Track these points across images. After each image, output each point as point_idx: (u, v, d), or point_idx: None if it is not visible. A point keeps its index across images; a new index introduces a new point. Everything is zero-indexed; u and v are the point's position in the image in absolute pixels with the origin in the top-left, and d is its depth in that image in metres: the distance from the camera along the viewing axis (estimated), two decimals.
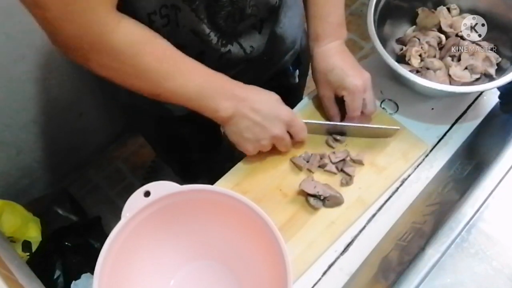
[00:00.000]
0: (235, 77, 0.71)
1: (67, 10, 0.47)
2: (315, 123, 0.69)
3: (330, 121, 0.71)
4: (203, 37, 0.61)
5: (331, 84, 0.67)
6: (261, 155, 0.68)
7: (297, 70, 0.88)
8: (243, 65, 0.70)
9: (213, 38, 0.62)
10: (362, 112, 0.67)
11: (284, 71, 0.84)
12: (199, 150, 1.02)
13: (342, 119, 0.71)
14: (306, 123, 0.66)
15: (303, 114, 0.74)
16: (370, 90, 0.67)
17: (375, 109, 0.69)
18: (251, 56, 0.68)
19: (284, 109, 0.63)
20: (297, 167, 0.68)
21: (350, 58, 0.68)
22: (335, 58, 0.67)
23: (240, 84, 0.62)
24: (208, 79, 0.59)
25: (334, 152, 0.68)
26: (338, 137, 0.70)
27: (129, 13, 0.54)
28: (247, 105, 0.60)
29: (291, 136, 0.66)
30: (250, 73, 0.74)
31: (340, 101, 0.69)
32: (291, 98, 0.82)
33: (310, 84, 1.00)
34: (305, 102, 0.75)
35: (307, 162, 0.68)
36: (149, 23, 0.56)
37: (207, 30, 0.60)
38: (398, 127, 0.69)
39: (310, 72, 0.96)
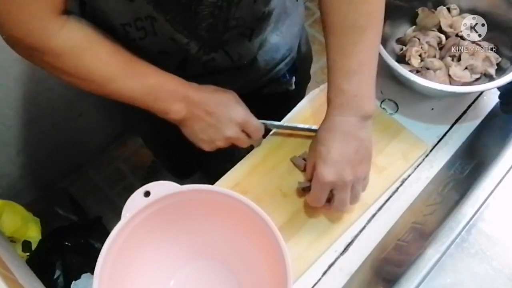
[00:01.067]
0: (221, 82, 0.69)
1: (9, 13, 0.48)
2: (272, 124, 0.69)
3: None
4: (181, 46, 0.60)
5: (314, 156, 0.59)
6: (261, 155, 0.68)
7: (294, 77, 0.85)
8: (231, 71, 0.69)
9: (193, 47, 0.61)
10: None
11: (277, 79, 0.80)
12: (196, 154, 1.02)
13: None
14: (263, 123, 0.66)
15: (308, 110, 0.74)
16: (357, 184, 0.57)
17: (353, 205, 0.61)
18: (239, 64, 0.67)
19: (238, 109, 0.63)
20: (297, 167, 0.68)
21: (354, 145, 0.56)
22: (332, 136, 0.56)
23: (194, 85, 0.61)
24: (158, 81, 0.59)
25: None
26: None
27: (105, 22, 0.55)
28: (200, 108, 0.60)
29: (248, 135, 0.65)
30: (239, 79, 0.72)
31: None
32: (285, 104, 0.80)
33: (310, 84, 1.00)
34: (309, 98, 0.75)
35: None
36: (124, 33, 0.56)
37: (185, 40, 0.59)
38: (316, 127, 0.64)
39: (311, 71, 0.97)
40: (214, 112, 0.61)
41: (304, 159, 0.68)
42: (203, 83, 0.66)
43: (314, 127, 0.68)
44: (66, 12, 0.52)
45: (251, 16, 0.61)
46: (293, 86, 0.86)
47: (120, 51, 0.56)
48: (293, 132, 0.70)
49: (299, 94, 0.92)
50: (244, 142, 0.65)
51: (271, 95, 0.82)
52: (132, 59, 0.57)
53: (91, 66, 0.55)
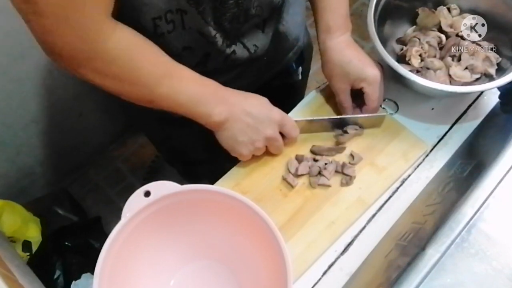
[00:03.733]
0: (238, 76, 0.72)
1: (65, 17, 0.47)
2: (306, 120, 0.69)
3: (343, 114, 0.71)
4: (209, 39, 0.61)
5: (349, 76, 0.67)
6: (260, 156, 0.68)
7: (300, 67, 0.88)
8: (247, 64, 0.70)
9: (219, 39, 0.62)
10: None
11: (287, 69, 0.84)
12: (200, 150, 1.02)
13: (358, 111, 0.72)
14: (297, 121, 0.67)
15: (308, 110, 0.74)
16: (382, 82, 0.69)
17: (378, 105, 0.70)
18: (255, 56, 0.69)
19: (274, 109, 0.64)
20: (289, 184, 0.68)
21: (361, 50, 0.69)
22: (349, 51, 0.67)
23: (230, 89, 0.63)
24: (201, 85, 0.60)
25: (326, 164, 0.68)
26: (348, 130, 0.70)
27: (133, 17, 0.54)
28: (239, 109, 0.61)
29: (283, 136, 0.66)
30: (254, 72, 0.75)
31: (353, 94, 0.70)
32: (293, 95, 0.83)
33: (310, 84, 1.00)
34: (309, 99, 0.75)
35: (297, 176, 0.68)
36: (154, 28, 0.56)
37: (213, 32, 0.60)
38: (385, 114, 0.70)
39: (311, 71, 0.97)
40: (253, 112, 0.62)
41: (293, 175, 0.68)
42: (221, 78, 0.67)
43: (340, 116, 0.70)
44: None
45: (267, 4, 0.63)
46: (300, 77, 0.88)
47: (163, 54, 0.57)
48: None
49: (303, 85, 0.95)
50: (279, 146, 0.66)
51: (279, 87, 0.84)
52: (174, 62, 0.58)
53: (142, 69, 0.54)
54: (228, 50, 0.65)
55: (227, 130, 0.62)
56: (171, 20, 0.56)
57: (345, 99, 0.70)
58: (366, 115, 0.70)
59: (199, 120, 0.61)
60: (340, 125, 0.71)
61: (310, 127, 0.70)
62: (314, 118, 0.70)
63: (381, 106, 0.74)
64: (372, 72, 0.66)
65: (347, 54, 0.67)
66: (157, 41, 0.58)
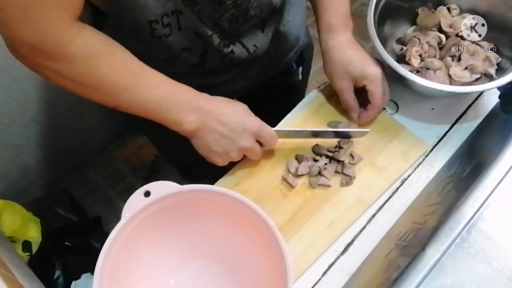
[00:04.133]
0: (237, 76, 0.71)
1: (25, 16, 0.46)
2: (287, 130, 0.68)
3: (349, 113, 0.71)
4: (205, 39, 0.61)
5: (351, 75, 0.67)
6: (261, 156, 0.68)
7: (301, 67, 0.88)
8: (246, 64, 0.70)
9: (216, 39, 0.62)
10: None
11: (287, 69, 0.84)
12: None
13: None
14: (276, 131, 0.65)
15: (308, 110, 0.74)
16: (385, 80, 0.68)
17: (384, 103, 0.70)
18: (254, 55, 0.68)
19: (251, 119, 0.62)
20: (289, 184, 0.68)
21: (362, 49, 0.69)
22: (351, 49, 0.67)
23: (206, 96, 0.61)
24: (171, 92, 0.58)
25: (326, 164, 0.68)
26: (346, 141, 0.69)
27: (130, 19, 0.54)
28: (213, 118, 0.59)
29: (261, 144, 0.65)
30: (253, 72, 0.75)
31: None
32: (293, 96, 0.83)
33: (310, 84, 1.00)
34: (310, 99, 0.75)
35: (297, 176, 0.67)
36: (151, 31, 0.56)
37: (209, 32, 0.60)
38: (368, 130, 0.68)
39: (311, 71, 0.97)
40: (228, 123, 0.60)
41: (293, 175, 0.67)
42: (220, 78, 0.66)
43: (328, 129, 0.69)
44: (80, 19, 0.52)
45: (266, 5, 0.62)
46: (300, 77, 0.88)
47: (133, 61, 0.56)
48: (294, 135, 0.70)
49: (304, 85, 0.95)
50: (257, 153, 0.65)
51: (279, 88, 0.84)
52: (145, 69, 0.57)
53: (105, 76, 0.53)
54: (226, 50, 0.64)
55: (200, 139, 0.61)
56: (167, 24, 0.56)
57: (349, 98, 0.69)
58: (347, 129, 0.69)
59: (171, 127, 0.60)
60: (321, 136, 0.69)
61: (291, 136, 0.69)
62: (294, 129, 0.69)
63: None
64: (374, 70, 0.66)
65: (349, 53, 0.67)
66: (154, 43, 0.58)
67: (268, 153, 0.69)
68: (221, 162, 0.64)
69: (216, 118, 0.60)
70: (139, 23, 0.55)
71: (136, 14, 0.54)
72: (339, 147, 0.69)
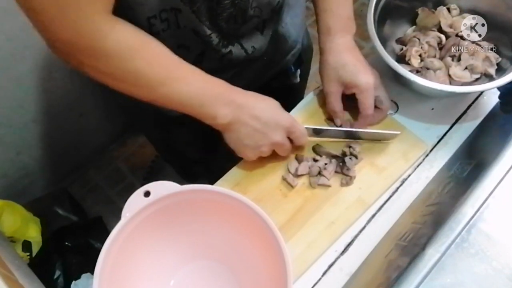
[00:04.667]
0: (235, 77, 0.71)
1: (61, 15, 0.46)
2: (318, 128, 0.68)
3: (332, 117, 0.71)
4: (203, 38, 0.60)
5: (341, 80, 0.66)
6: (261, 156, 0.68)
7: (299, 70, 0.88)
8: (244, 65, 0.70)
9: (214, 39, 0.61)
10: (378, 108, 0.68)
11: (285, 71, 0.84)
12: (197, 150, 1.02)
13: (353, 119, 0.71)
14: (307, 128, 0.66)
15: (305, 112, 0.74)
16: (381, 87, 0.67)
17: (389, 105, 0.69)
18: (252, 56, 0.68)
19: (284, 115, 0.63)
20: (289, 184, 0.68)
21: (360, 55, 0.68)
22: (346, 54, 0.66)
23: (239, 90, 0.61)
24: (205, 85, 0.58)
25: (326, 164, 0.68)
26: (353, 146, 0.69)
27: (128, 16, 0.54)
28: (246, 112, 0.60)
29: (291, 141, 0.65)
30: (251, 73, 0.74)
31: (349, 101, 0.69)
32: (292, 98, 0.82)
33: (309, 84, 1.00)
34: (307, 101, 0.75)
35: (297, 176, 0.68)
36: (149, 27, 0.56)
37: (208, 31, 0.60)
38: (399, 132, 0.68)
39: (311, 72, 0.97)
40: (261, 117, 0.60)
41: (293, 175, 0.68)
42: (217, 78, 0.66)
43: (358, 129, 0.69)
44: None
45: (266, 6, 0.62)
46: (298, 79, 0.87)
47: (168, 55, 0.56)
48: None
49: (302, 87, 0.95)
50: (287, 149, 0.65)
51: (278, 89, 0.84)
52: (180, 63, 0.57)
53: (141, 70, 0.54)
54: (224, 50, 0.64)
55: (234, 132, 0.62)
56: (165, 19, 0.56)
57: (334, 102, 0.69)
58: (377, 131, 0.68)
59: (205, 120, 0.60)
60: (350, 136, 0.70)
61: (321, 134, 0.70)
62: (325, 127, 0.69)
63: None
64: (364, 79, 0.64)
65: (343, 57, 0.66)
66: None
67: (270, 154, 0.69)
68: (252, 156, 0.64)
69: (249, 112, 0.60)
70: (138, 19, 0.55)
71: (135, 11, 0.54)
72: (343, 173, 0.67)
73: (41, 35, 0.50)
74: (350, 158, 0.67)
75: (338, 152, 0.68)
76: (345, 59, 0.66)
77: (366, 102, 0.66)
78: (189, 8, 0.55)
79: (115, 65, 0.53)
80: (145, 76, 0.54)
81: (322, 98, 0.75)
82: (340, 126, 0.71)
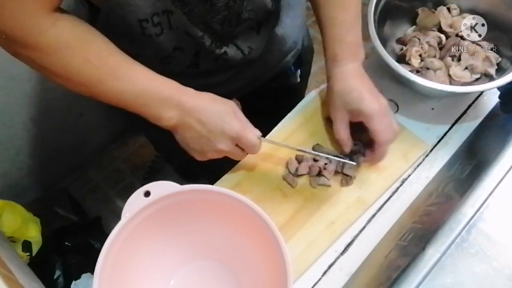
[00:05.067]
0: (233, 77, 0.71)
1: (1, 7, 0.47)
2: (271, 142, 0.65)
3: (341, 145, 0.67)
4: (196, 39, 0.60)
5: (348, 107, 0.64)
6: (260, 156, 0.69)
7: (299, 70, 0.87)
8: (242, 65, 0.70)
9: (207, 40, 0.61)
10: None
11: (285, 72, 0.83)
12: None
13: (364, 146, 0.68)
14: (262, 140, 0.62)
15: (305, 113, 0.74)
16: (389, 116, 0.63)
17: (394, 137, 0.64)
18: (250, 57, 0.68)
19: (232, 123, 0.59)
20: (289, 184, 0.67)
21: (369, 82, 0.65)
22: (353, 81, 0.64)
23: (191, 92, 0.59)
24: (151, 85, 0.57)
25: (326, 164, 0.68)
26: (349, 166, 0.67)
27: (120, 17, 0.54)
28: (192, 116, 0.58)
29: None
30: (250, 74, 0.74)
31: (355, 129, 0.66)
32: (292, 98, 0.82)
33: (309, 84, 1.00)
34: (306, 101, 0.75)
35: (297, 176, 0.67)
36: (141, 30, 0.56)
37: (200, 33, 0.59)
38: (354, 163, 0.65)
39: (311, 72, 0.97)
40: (207, 123, 0.58)
41: (293, 174, 0.67)
42: (215, 79, 0.65)
43: (314, 152, 0.65)
44: (60, 10, 0.52)
45: (261, 8, 0.61)
46: (298, 79, 0.87)
47: (113, 53, 0.55)
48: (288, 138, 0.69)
49: (302, 87, 0.94)
50: (238, 156, 0.63)
51: (277, 89, 0.83)
52: (127, 62, 0.56)
53: (78, 67, 0.53)
54: (218, 51, 0.64)
55: (180, 135, 0.61)
56: (158, 23, 0.56)
57: (340, 129, 0.66)
58: (334, 157, 0.64)
59: (150, 120, 0.59)
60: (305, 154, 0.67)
61: (277, 147, 0.67)
62: (281, 143, 0.66)
63: None
64: (370, 106, 0.61)
65: (349, 84, 0.64)
66: (146, 42, 0.57)
67: (268, 153, 0.69)
68: (199, 158, 0.63)
69: (196, 116, 0.58)
70: (129, 21, 0.54)
71: (126, 12, 0.53)
72: (343, 173, 0.66)
73: None
74: (357, 157, 0.67)
75: (338, 152, 0.68)
76: (351, 86, 0.63)
77: (376, 128, 0.62)
78: (180, 10, 0.55)
79: (50, 60, 0.52)
80: (81, 74, 0.54)
81: (322, 99, 0.75)
82: (349, 153, 0.67)
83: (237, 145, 0.61)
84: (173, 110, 0.58)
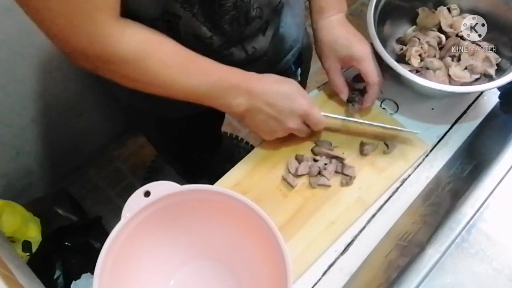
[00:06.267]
0: None
1: (70, 24, 0.47)
2: (334, 117, 0.68)
3: (340, 92, 0.71)
4: (204, 41, 0.61)
5: (338, 55, 0.67)
6: (260, 156, 0.69)
7: (299, 69, 0.88)
8: (244, 65, 0.70)
9: (216, 41, 0.62)
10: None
11: (285, 70, 0.84)
12: (199, 150, 1.02)
13: (361, 94, 0.71)
14: (326, 116, 0.66)
15: None
16: (374, 59, 0.67)
17: (381, 79, 0.68)
18: (252, 57, 0.68)
19: (300, 101, 0.63)
20: (289, 184, 0.68)
21: (353, 29, 0.69)
22: (338, 29, 0.67)
23: (256, 76, 0.62)
24: (219, 77, 0.59)
25: (326, 164, 0.68)
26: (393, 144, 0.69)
27: (132, 19, 0.54)
28: (261, 99, 0.61)
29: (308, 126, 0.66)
30: None
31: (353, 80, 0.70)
32: None
33: (309, 84, 1.00)
34: (311, 96, 0.75)
35: (297, 176, 0.68)
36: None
37: (209, 34, 0.60)
38: (419, 131, 0.68)
39: (310, 71, 0.97)
40: (276, 104, 0.61)
41: (293, 175, 0.68)
42: None
43: (374, 123, 0.69)
44: (122, 17, 0.52)
45: (268, 6, 0.62)
46: (299, 78, 0.88)
47: (181, 50, 0.57)
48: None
49: (303, 85, 0.95)
50: (305, 133, 0.66)
51: None
52: (194, 57, 0.58)
53: (155, 70, 0.55)
54: (225, 52, 0.64)
55: (249, 119, 0.63)
56: (167, 20, 0.56)
57: (335, 78, 0.70)
58: (397, 128, 0.68)
59: (221, 110, 0.62)
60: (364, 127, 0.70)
61: (338, 123, 0.70)
62: (342, 117, 0.69)
63: (381, 106, 0.73)
64: (359, 49, 0.66)
65: (335, 32, 0.67)
66: None
67: (268, 153, 0.69)
68: (269, 139, 0.67)
69: (264, 99, 0.61)
70: (142, 22, 0.55)
71: (138, 14, 0.54)
72: (343, 173, 0.68)
73: (55, 45, 0.51)
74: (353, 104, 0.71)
75: (337, 153, 0.68)
76: (337, 34, 0.67)
77: (368, 70, 0.66)
78: (189, 12, 0.55)
79: (129, 68, 0.53)
80: (159, 76, 0.55)
81: (321, 99, 0.75)
82: (348, 102, 0.72)
83: (303, 122, 0.64)
84: (242, 97, 0.60)
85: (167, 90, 0.58)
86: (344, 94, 0.70)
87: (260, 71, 0.76)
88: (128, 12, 0.53)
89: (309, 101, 0.64)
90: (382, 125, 0.68)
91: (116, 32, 0.50)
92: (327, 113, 0.66)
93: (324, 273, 0.62)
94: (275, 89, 0.62)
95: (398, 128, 0.69)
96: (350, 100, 0.72)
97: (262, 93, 0.61)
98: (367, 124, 0.69)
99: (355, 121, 0.69)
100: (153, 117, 0.84)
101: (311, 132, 0.68)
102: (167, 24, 0.57)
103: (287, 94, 0.62)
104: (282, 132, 0.65)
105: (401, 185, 0.68)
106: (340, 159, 0.68)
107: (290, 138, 0.69)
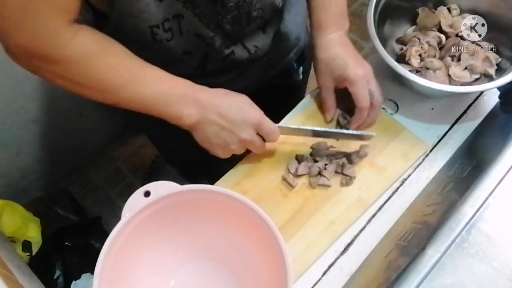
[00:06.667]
0: (238, 76, 0.71)
1: (22, 22, 0.47)
2: (288, 127, 0.66)
3: (326, 111, 0.71)
4: (206, 40, 0.61)
5: (332, 74, 0.67)
6: (260, 156, 0.69)
7: (301, 67, 0.88)
8: (247, 64, 0.70)
9: (217, 41, 0.62)
10: (370, 104, 0.67)
11: (288, 69, 0.84)
12: (199, 150, 1.02)
13: (350, 113, 0.70)
14: (279, 126, 0.64)
15: (304, 114, 0.74)
16: (373, 80, 0.67)
17: (382, 99, 0.68)
18: (255, 56, 0.68)
19: (251, 111, 0.61)
20: (289, 184, 0.68)
21: (352, 49, 0.68)
22: (337, 48, 0.67)
23: (206, 88, 0.61)
24: (169, 86, 0.58)
25: (326, 165, 0.68)
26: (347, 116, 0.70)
27: (129, 25, 0.54)
28: (212, 110, 0.59)
29: (263, 138, 0.64)
30: (254, 72, 0.75)
31: (342, 95, 0.69)
32: (294, 95, 0.83)
33: (310, 84, 1.00)
34: (306, 102, 0.75)
35: (297, 176, 0.68)
36: (152, 35, 0.56)
37: (211, 34, 0.60)
38: (374, 134, 0.67)
39: (311, 71, 0.98)
40: (228, 114, 0.59)
41: (293, 175, 0.67)
42: (221, 79, 0.65)
43: (330, 129, 0.68)
44: (77, 21, 0.52)
45: (269, 7, 0.62)
46: (301, 76, 0.88)
47: (131, 58, 0.56)
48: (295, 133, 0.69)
49: (304, 84, 0.95)
50: (259, 146, 0.64)
51: (280, 87, 0.84)
52: (143, 65, 0.57)
53: (103, 75, 0.54)
54: (227, 51, 0.64)
55: (201, 132, 0.61)
56: (169, 29, 0.56)
57: (327, 96, 0.69)
58: (351, 132, 0.67)
59: (171, 121, 0.60)
60: (323, 136, 0.69)
61: (292, 133, 0.68)
62: (296, 126, 0.67)
63: (381, 106, 0.73)
64: (354, 72, 0.65)
65: (333, 52, 0.67)
66: (156, 47, 0.58)
67: (268, 153, 0.69)
68: (222, 154, 0.63)
69: (215, 110, 0.59)
70: (140, 28, 0.55)
71: (137, 19, 0.54)
72: (343, 173, 0.67)
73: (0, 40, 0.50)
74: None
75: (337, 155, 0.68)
76: (334, 54, 0.66)
77: (358, 94, 0.65)
78: (192, 12, 0.55)
79: (75, 71, 0.53)
80: (106, 80, 0.55)
81: (312, 107, 0.75)
82: (331, 121, 0.72)
83: (257, 133, 0.62)
84: (192, 107, 0.59)
85: (113, 96, 0.57)
86: (330, 114, 0.71)
87: (262, 70, 0.76)
88: (127, 17, 0.53)
89: (261, 112, 0.62)
90: (341, 131, 0.68)
91: (66, 35, 0.50)
92: (279, 124, 0.65)
93: (324, 273, 0.62)
94: (227, 101, 0.60)
95: (355, 132, 0.67)
96: (339, 120, 0.72)
97: (213, 104, 0.59)
98: (322, 131, 0.67)
99: (312, 130, 0.67)
100: (153, 116, 0.84)
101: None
102: (168, 33, 0.57)
103: (239, 105, 0.60)
104: (236, 144, 0.61)
105: (401, 185, 0.68)
106: (342, 154, 0.68)
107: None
